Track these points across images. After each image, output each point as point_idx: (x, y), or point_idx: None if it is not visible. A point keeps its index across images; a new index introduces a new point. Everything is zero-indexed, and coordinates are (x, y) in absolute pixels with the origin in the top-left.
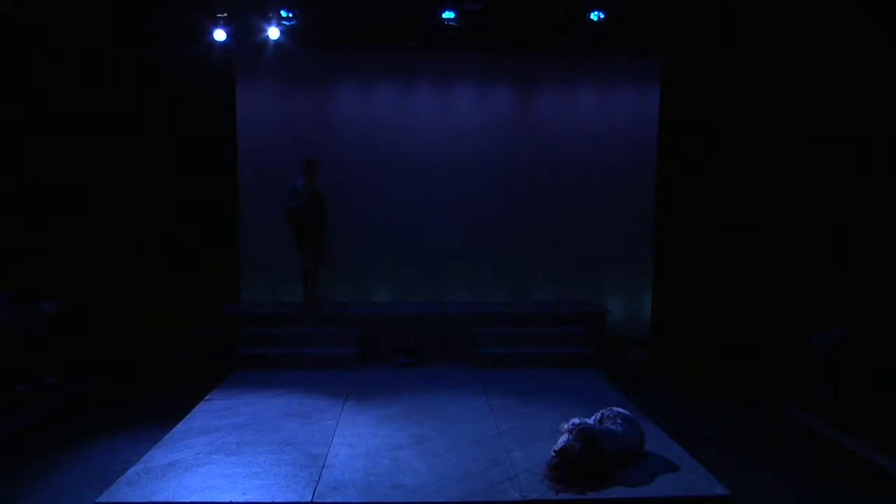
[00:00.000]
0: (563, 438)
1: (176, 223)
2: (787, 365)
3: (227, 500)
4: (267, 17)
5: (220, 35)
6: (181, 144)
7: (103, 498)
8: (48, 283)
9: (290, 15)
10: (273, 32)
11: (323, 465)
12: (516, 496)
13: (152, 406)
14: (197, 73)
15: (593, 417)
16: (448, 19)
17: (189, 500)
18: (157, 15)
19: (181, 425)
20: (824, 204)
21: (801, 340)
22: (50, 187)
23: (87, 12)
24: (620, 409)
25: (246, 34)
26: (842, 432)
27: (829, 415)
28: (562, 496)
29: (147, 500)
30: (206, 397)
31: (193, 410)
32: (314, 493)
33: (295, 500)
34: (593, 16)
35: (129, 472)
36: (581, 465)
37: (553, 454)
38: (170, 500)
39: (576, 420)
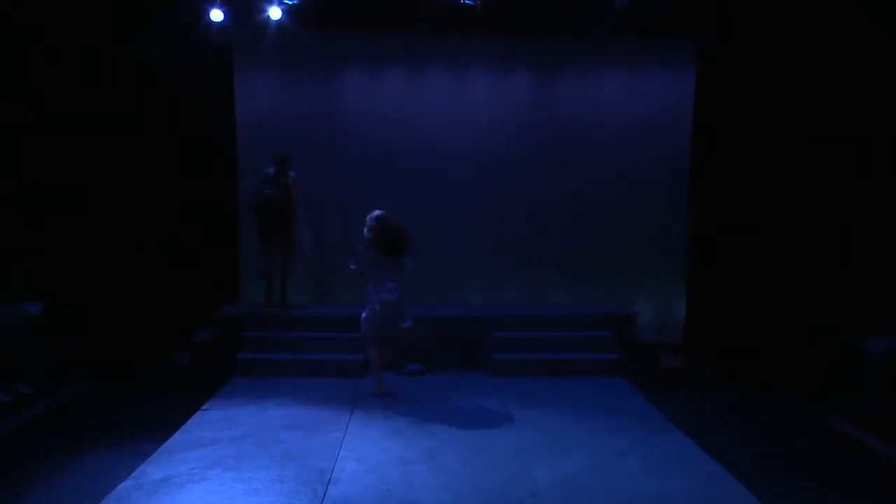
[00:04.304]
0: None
1: (174, 223)
2: (831, 372)
3: None
4: None
5: (217, 15)
6: (180, 143)
7: None
8: (39, 283)
9: None
10: (274, 13)
11: (329, 481)
12: None
13: (144, 416)
14: (194, 62)
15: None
16: None
17: None
18: (155, 6)
19: (175, 437)
20: (877, 200)
21: (848, 346)
22: (49, 187)
23: (86, 10)
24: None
25: (245, 14)
26: (890, 446)
27: (877, 427)
28: None
29: None
30: (203, 407)
31: (189, 421)
32: None
33: None
34: None
35: (119, 488)
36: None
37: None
38: None
39: None
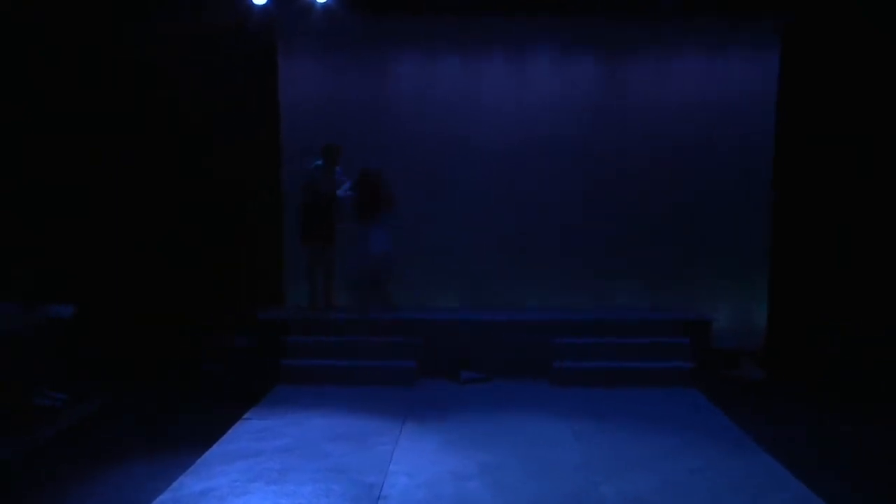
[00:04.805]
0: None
1: (211, 220)
2: None
3: None
4: None
5: None
6: (217, 135)
7: None
8: (64, 285)
9: None
10: None
11: (378, 497)
12: None
13: (182, 425)
14: (234, 48)
15: None
16: None
17: None
18: None
19: (215, 448)
20: None
21: None
22: (67, 187)
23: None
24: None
25: None
26: None
27: None
28: None
29: None
30: (244, 416)
31: (229, 431)
32: None
33: None
34: None
35: (157, 500)
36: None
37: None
38: None
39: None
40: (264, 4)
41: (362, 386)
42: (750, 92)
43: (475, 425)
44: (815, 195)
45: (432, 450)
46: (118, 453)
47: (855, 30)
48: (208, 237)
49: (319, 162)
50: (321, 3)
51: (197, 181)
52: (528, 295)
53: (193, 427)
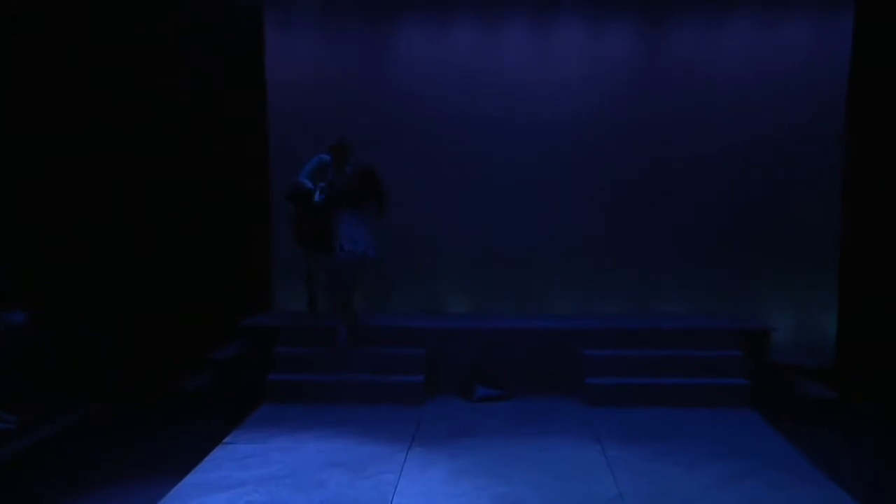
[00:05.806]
0: None
1: (190, 217)
2: None
3: None
4: None
5: None
6: (202, 122)
7: None
8: (28, 291)
9: None
10: None
11: None
12: None
13: (154, 449)
14: (214, 21)
15: None
16: None
17: None
18: None
19: (191, 477)
20: None
21: None
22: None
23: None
24: None
25: None
26: None
27: None
28: None
29: None
30: (225, 440)
31: (208, 457)
32: None
33: None
34: None
35: None
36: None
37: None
38: None
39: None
40: None
41: (362, 404)
42: (817, 57)
43: (492, 451)
44: None
45: (442, 479)
46: (75, 485)
47: None
48: (188, 238)
49: (326, 157)
50: None
51: (173, 176)
52: (555, 299)
53: (167, 452)
